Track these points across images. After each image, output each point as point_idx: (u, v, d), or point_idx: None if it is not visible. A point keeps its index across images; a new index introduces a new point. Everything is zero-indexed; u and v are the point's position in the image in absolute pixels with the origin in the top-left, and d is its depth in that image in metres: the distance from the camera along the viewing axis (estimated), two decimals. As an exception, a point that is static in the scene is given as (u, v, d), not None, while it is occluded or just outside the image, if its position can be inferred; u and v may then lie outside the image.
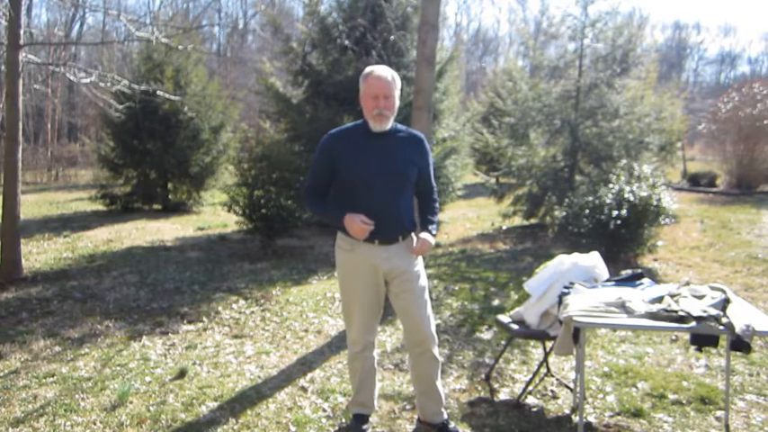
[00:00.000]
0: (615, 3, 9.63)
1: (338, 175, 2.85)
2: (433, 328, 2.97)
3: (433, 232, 2.92)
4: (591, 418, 3.26)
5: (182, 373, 3.84)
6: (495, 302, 5.58)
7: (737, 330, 2.64)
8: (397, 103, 2.85)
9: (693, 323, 2.72)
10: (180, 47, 7.65)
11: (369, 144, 2.83)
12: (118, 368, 3.99)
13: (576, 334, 2.87)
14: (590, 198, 7.29)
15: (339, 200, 2.89)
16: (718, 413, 3.31)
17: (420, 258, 3.02)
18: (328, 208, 2.90)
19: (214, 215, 11.56)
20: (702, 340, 2.74)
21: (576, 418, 3.20)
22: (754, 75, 44.20)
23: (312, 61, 9.69)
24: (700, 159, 21.22)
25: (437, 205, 3.06)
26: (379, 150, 2.83)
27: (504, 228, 10.06)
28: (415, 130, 3.02)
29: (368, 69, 2.86)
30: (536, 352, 4.24)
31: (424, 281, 2.98)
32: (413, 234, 2.98)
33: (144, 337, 4.64)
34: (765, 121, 14.78)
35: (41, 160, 20.96)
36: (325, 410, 3.37)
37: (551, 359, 3.80)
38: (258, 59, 15.37)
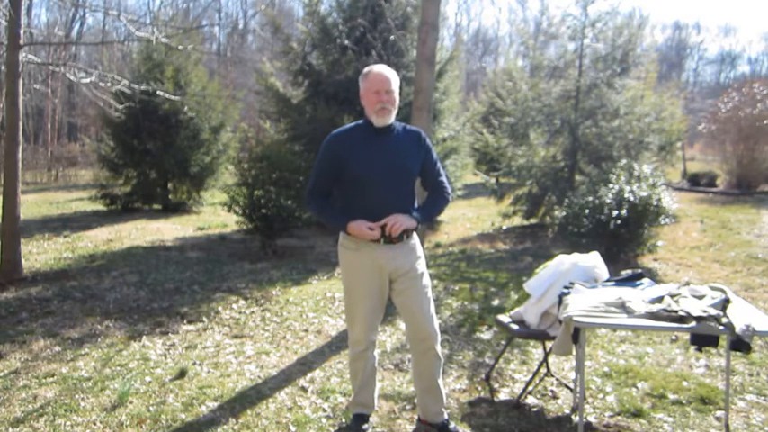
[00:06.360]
0: (615, 3, 9.69)
1: (342, 175, 2.85)
2: (437, 326, 2.99)
3: (416, 216, 2.86)
4: (591, 418, 3.26)
5: (182, 373, 3.85)
6: (495, 302, 5.58)
7: (737, 330, 2.65)
8: (398, 100, 2.87)
9: (693, 323, 2.72)
10: (180, 47, 7.65)
11: (371, 141, 2.85)
12: (118, 368, 3.99)
13: (576, 334, 2.87)
14: (590, 198, 7.29)
15: (343, 200, 2.90)
16: (718, 413, 3.31)
17: (423, 257, 3.03)
18: (332, 212, 2.90)
19: (214, 215, 11.56)
20: (702, 340, 2.74)
21: (576, 418, 3.20)
22: (754, 75, 44.20)
23: (312, 61, 9.68)
24: (700, 159, 21.22)
25: (443, 202, 3.01)
26: (381, 147, 2.84)
27: (504, 228, 10.06)
28: (412, 126, 3.04)
29: (367, 69, 2.90)
30: (536, 352, 4.24)
31: (426, 279, 2.99)
32: (416, 233, 2.99)
33: (144, 337, 4.64)
34: (765, 121, 14.79)
35: (41, 160, 20.96)
36: (325, 410, 3.37)
37: (551, 359, 3.80)
38: (258, 59, 15.38)
